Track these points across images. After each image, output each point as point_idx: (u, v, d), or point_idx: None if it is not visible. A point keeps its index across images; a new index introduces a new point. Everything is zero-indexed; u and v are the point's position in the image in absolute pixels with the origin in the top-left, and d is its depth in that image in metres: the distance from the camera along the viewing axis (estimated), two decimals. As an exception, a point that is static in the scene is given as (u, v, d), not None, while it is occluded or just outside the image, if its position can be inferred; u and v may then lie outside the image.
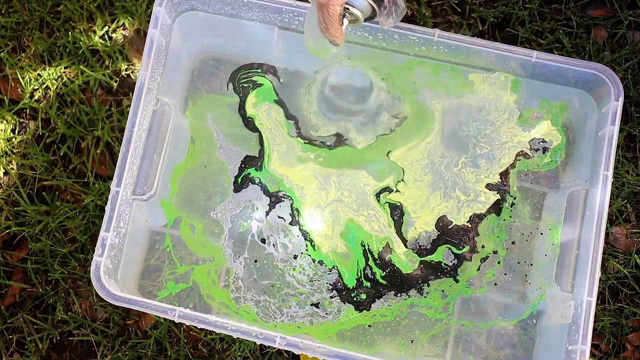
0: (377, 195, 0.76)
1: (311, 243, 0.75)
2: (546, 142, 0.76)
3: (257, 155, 0.77)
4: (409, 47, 0.74)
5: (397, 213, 0.75)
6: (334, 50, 0.66)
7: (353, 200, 0.76)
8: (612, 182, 0.68)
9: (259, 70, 0.79)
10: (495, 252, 0.74)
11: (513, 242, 0.74)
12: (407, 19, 0.90)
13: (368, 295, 0.74)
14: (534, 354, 0.73)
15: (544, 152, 0.76)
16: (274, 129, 0.78)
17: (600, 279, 0.67)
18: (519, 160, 0.76)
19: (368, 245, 0.74)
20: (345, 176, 0.77)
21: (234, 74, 0.79)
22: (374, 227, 0.75)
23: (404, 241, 0.75)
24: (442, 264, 0.74)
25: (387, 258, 0.74)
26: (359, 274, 0.74)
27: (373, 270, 0.74)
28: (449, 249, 0.74)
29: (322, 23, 0.63)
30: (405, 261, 0.74)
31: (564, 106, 0.76)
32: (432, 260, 0.74)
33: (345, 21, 0.64)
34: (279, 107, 0.78)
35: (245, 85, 0.79)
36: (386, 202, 0.76)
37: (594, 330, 0.78)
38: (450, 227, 0.75)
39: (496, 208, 0.75)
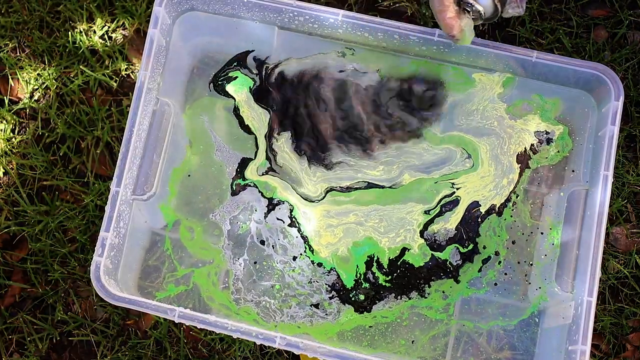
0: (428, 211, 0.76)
1: (309, 246, 0.75)
2: (549, 132, 0.76)
3: (254, 158, 0.77)
4: (409, 47, 0.74)
5: (449, 206, 0.75)
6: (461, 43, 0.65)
7: (383, 226, 0.75)
8: (612, 182, 0.68)
9: (235, 64, 0.79)
10: (497, 253, 0.74)
11: (513, 242, 0.74)
12: (407, 19, 0.90)
13: (367, 296, 0.73)
14: (534, 354, 0.73)
15: (548, 143, 0.76)
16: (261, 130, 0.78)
17: (600, 279, 0.67)
18: (527, 155, 0.76)
19: (378, 258, 0.74)
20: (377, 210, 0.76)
21: (215, 75, 0.79)
22: (395, 240, 0.75)
23: (422, 233, 0.74)
24: (447, 263, 0.74)
25: (399, 262, 0.74)
26: (358, 275, 0.74)
27: (375, 275, 0.74)
28: (457, 247, 0.74)
29: (434, 8, 0.61)
30: (419, 254, 0.74)
31: (557, 102, 0.76)
32: (440, 258, 0.74)
33: (465, 17, 0.62)
34: (266, 111, 0.78)
35: (220, 83, 0.79)
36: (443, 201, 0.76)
37: (594, 330, 0.78)
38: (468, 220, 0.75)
39: (500, 209, 0.75)
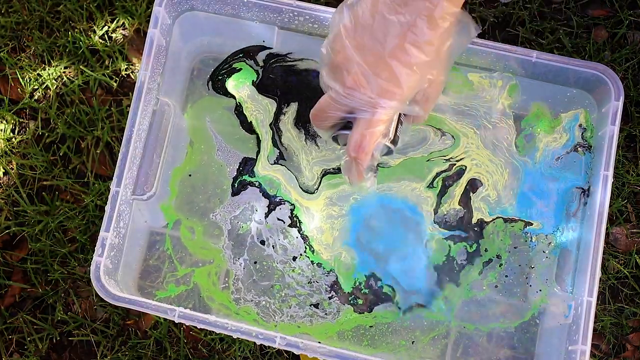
0: (430, 185, 0.76)
1: (310, 246, 0.75)
2: (583, 141, 0.75)
3: (255, 157, 0.77)
4: (409, 47, 0.74)
5: (451, 180, 0.75)
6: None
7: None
8: (612, 182, 0.68)
9: (240, 55, 0.79)
10: (498, 257, 0.74)
11: (515, 247, 0.74)
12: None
13: (365, 300, 0.73)
14: (534, 354, 0.73)
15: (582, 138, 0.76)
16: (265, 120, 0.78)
17: (600, 279, 0.67)
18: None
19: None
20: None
21: (217, 68, 0.79)
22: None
23: (434, 214, 0.75)
24: (455, 262, 0.73)
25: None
26: (357, 283, 0.74)
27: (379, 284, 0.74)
28: (465, 247, 0.74)
29: (346, 171, 0.62)
30: (437, 249, 0.74)
31: (540, 108, 0.76)
32: (450, 254, 0.73)
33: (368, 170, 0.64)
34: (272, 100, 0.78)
35: (220, 78, 0.79)
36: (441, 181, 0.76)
37: (594, 330, 0.78)
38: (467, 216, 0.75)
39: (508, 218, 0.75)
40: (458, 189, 0.75)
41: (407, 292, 0.73)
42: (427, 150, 0.76)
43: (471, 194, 0.75)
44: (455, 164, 0.75)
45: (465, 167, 0.75)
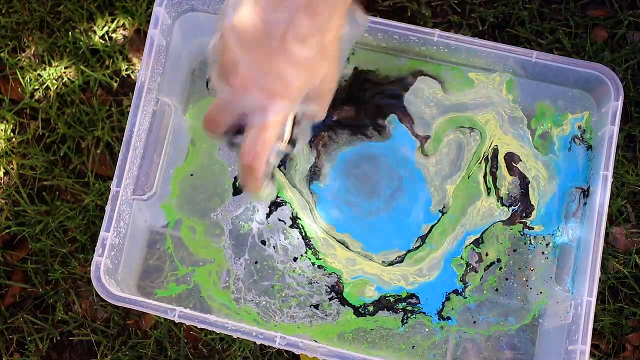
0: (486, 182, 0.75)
1: (311, 247, 0.75)
2: (581, 130, 0.75)
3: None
4: (409, 47, 0.74)
5: (494, 164, 0.75)
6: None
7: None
8: (612, 182, 0.68)
9: None
10: (498, 260, 0.74)
11: (515, 250, 0.74)
12: (407, 19, 0.90)
13: (374, 306, 0.73)
14: (534, 354, 0.73)
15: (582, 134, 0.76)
16: None
17: (600, 279, 0.67)
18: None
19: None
20: None
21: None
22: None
23: (499, 198, 0.74)
24: (469, 265, 0.73)
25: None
26: (367, 301, 0.74)
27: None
28: (473, 249, 0.73)
29: (242, 180, 0.59)
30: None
31: (544, 107, 0.76)
32: (462, 259, 0.73)
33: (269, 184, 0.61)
34: None
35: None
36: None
37: (594, 330, 0.78)
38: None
39: (508, 217, 0.74)
40: (502, 166, 0.74)
41: (421, 308, 0.73)
42: (466, 160, 0.75)
43: (514, 164, 0.74)
44: (488, 153, 0.75)
45: (497, 146, 0.75)
